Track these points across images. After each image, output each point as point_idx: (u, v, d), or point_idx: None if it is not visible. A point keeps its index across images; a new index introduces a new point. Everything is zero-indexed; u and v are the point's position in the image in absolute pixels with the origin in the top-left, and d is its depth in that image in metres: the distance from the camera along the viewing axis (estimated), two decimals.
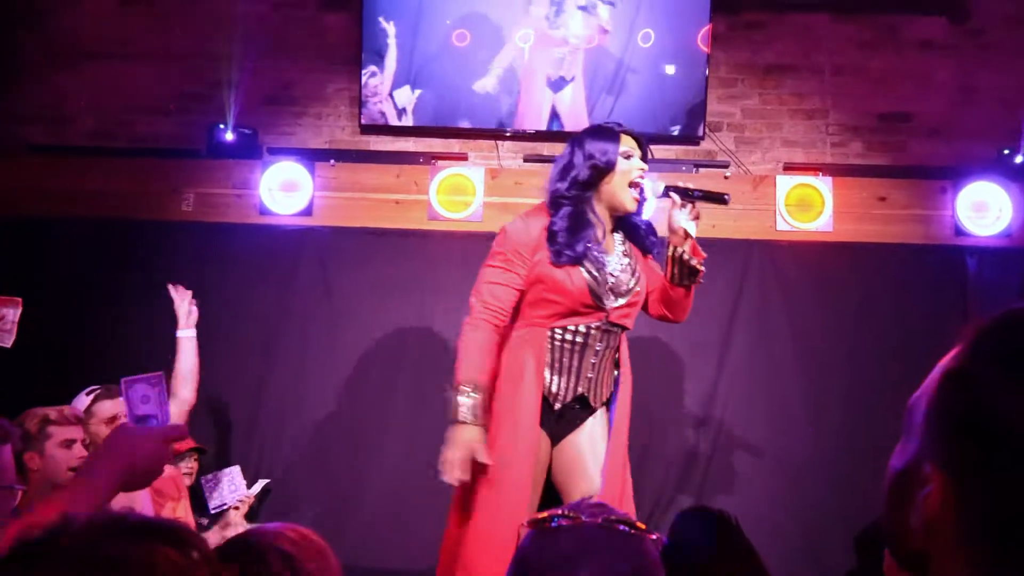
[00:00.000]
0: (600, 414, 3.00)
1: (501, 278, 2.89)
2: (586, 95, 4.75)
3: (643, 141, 3.01)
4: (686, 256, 2.89)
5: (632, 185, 2.92)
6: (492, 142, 4.84)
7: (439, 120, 4.79)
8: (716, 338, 4.47)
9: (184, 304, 3.77)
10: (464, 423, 2.78)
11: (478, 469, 2.82)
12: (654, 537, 1.20)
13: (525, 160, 4.83)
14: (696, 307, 4.41)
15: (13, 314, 3.38)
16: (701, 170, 4.73)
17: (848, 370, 4.40)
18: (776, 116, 4.88)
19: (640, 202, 2.96)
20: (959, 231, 4.53)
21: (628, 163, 2.92)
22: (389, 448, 4.41)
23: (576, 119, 4.68)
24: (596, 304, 2.88)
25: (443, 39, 4.74)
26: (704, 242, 4.50)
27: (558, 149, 4.81)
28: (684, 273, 2.91)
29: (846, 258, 4.52)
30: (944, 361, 0.81)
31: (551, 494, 2.96)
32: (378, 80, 4.77)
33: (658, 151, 4.82)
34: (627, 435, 3.05)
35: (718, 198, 2.91)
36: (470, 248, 4.55)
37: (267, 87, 4.92)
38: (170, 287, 3.80)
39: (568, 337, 2.90)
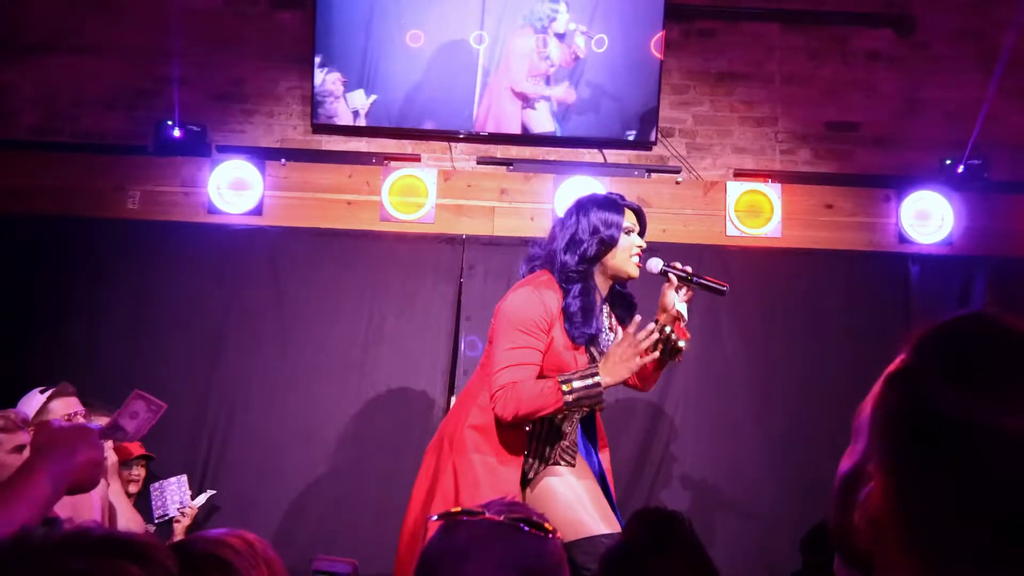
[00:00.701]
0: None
1: (531, 359, 2.79)
2: (557, 104, 4.76)
3: (643, 216, 3.01)
4: (674, 336, 2.91)
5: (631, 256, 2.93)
6: (445, 144, 4.83)
7: (393, 121, 4.76)
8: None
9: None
10: (598, 369, 2.73)
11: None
12: (559, 538, 1.21)
13: (478, 162, 4.83)
14: (647, 310, 4.47)
15: None
16: (653, 175, 4.78)
17: (795, 373, 4.46)
18: (727, 123, 4.94)
19: (641, 269, 2.94)
20: (902, 238, 4.64)
21: (629, 239, 2.91)
22: (338, 450, 4.37)
23: (541, 126, 4.71)
24: None
25: (397, 40, 4.71)
26: (654, 247, 4.56)
27: (512, 152, 4.84)
28: (667, 351, 2.92)
29: (793, 263, 4.60)
30: (889, 368, 0.83)
31: None
32: (333, 78, 4.73)
33: (611, 156, 4.85)
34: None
35: (717, 290, 2.93)
36: (422, 250, 4.54)
37: (217, 84, 4.85)
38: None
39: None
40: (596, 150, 4.86)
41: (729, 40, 4.96)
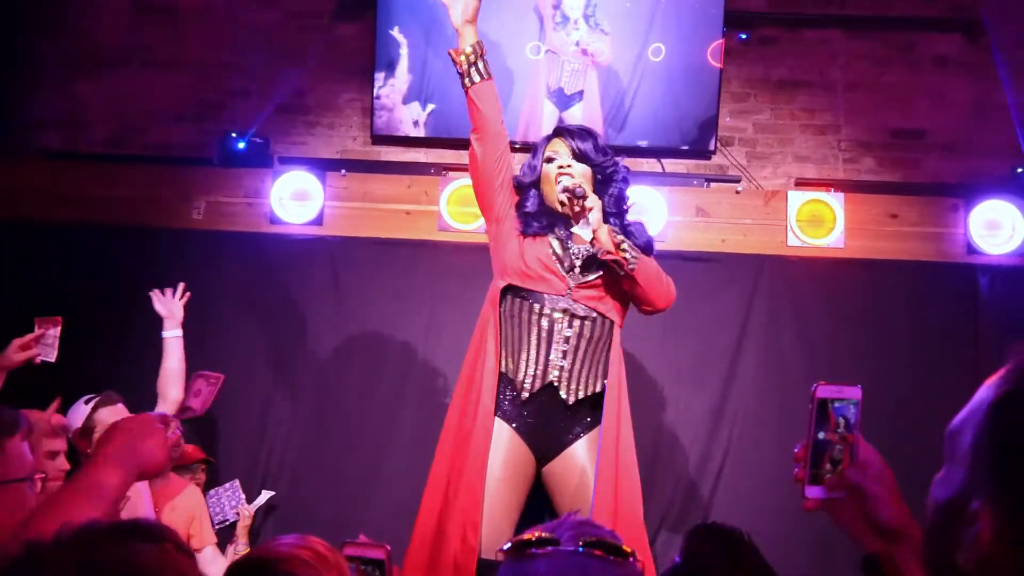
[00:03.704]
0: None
1: None
2: (600, 108, 4.75)
3: (574, 136, 3.09)
4: (597, 249, 2.93)
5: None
6: None
7: (451, 131, 4.79)
8: (726, 351, 4.45)
9: (166, 306, 3.75)
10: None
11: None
12: (639, 561, 1.16)
13: None
14: (706, 320, 4.45)
15: (55, 331, 3.49)
16: (712, 184, 4.73)
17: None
18: (788, 131, 4.87)
19: (563, 203, 2.98)
20: (971, 249, 4.50)
21: (550, 167, 3.05)
22: (396, 458, 4.40)
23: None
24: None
25: None
26: (715, 256, 4.54)
27: None
28: (607, 265, 2.94)
29: (857, 275, 4.50)
30: (989, 384, 0.75)
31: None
32: (390, 90, 4.79)
33: (669, 165, 4.82)
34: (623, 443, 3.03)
35: (581, 197, 2.94)
36: (480, 260, 4.55)
37: (279, 96, 4.93)
38: (152, 294, 3.79)
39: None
40: (654, 159, 4.83)
41: (790, 47, 4.89)
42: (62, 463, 2.92)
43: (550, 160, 3.05)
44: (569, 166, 3.02)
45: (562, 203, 2.97)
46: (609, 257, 2.89)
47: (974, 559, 0.71)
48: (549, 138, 3.14)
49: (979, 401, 0.75)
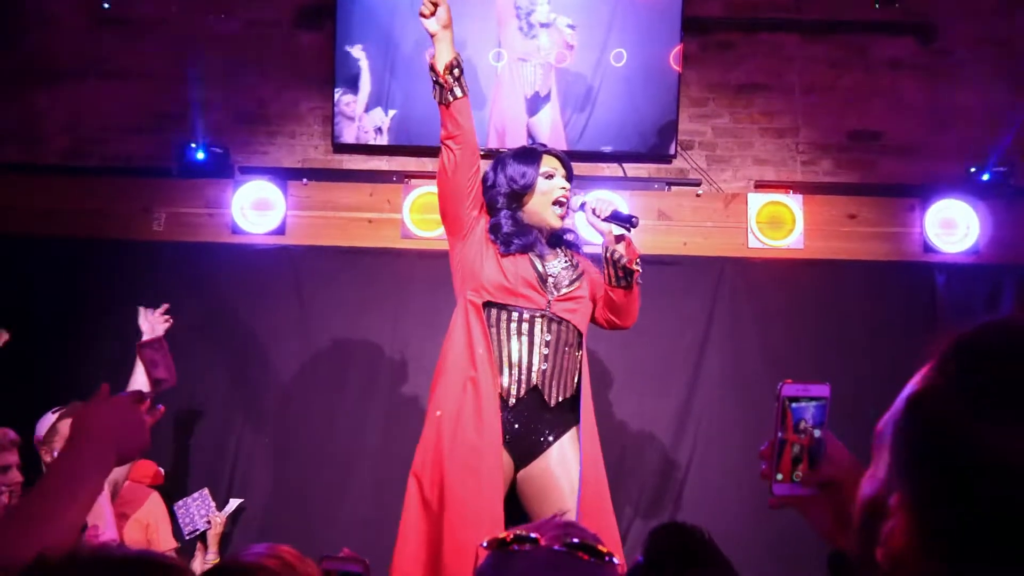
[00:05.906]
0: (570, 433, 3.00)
1: None
2: (561, 114, 4.77)
3: (566, 161, 3.11)
4: (618, 256, 2.97)
5: (556, 203, 3.03)
6: None
7: (413, 139, 4.79)
8: (689, 354, 4.49)
9: (149, 322, 3.70)
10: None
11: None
12: (617, 562, 1.16)
13: None
14: (669, 323, 4.49)
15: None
16: (673, 188, 4.77)
17: None
18: (747, 135, 4.92)
19: (564, 218, 3.05)
20: (928, 248, 4.59)
21: (550, 183, 3.02)
22: (362, 465, 4.38)
23: (553, 137, 4.68)
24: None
25: (416, 58, 4.74)
26: (676, 259, 4.57)
27: None
28: (619, 274, 2.99)
29: (816, 275, 4.56)
30: (912, 381, 0.75)
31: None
32: (351, 98, 4.77)
33: (630, 169, 4.85)
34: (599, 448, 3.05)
35: (628, 223, 2.97)
36: (443, 267, 4.54)
37: (240, 106, 4.91)
38: (140, 311, 3.73)
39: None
40: (615, 164, 4.86)
41: (748, 52, 4.95)
42: (14, 476, 2.96)
43: (550, 176, 3.03)
44: (568, 188, 3.07)
45: (563, 214, 3.04)
46: (625, 262, 2.97)
47: (888, 554, 0.71)
48: (539, 153, 3.09)
49: (900, 397, 0.76)
